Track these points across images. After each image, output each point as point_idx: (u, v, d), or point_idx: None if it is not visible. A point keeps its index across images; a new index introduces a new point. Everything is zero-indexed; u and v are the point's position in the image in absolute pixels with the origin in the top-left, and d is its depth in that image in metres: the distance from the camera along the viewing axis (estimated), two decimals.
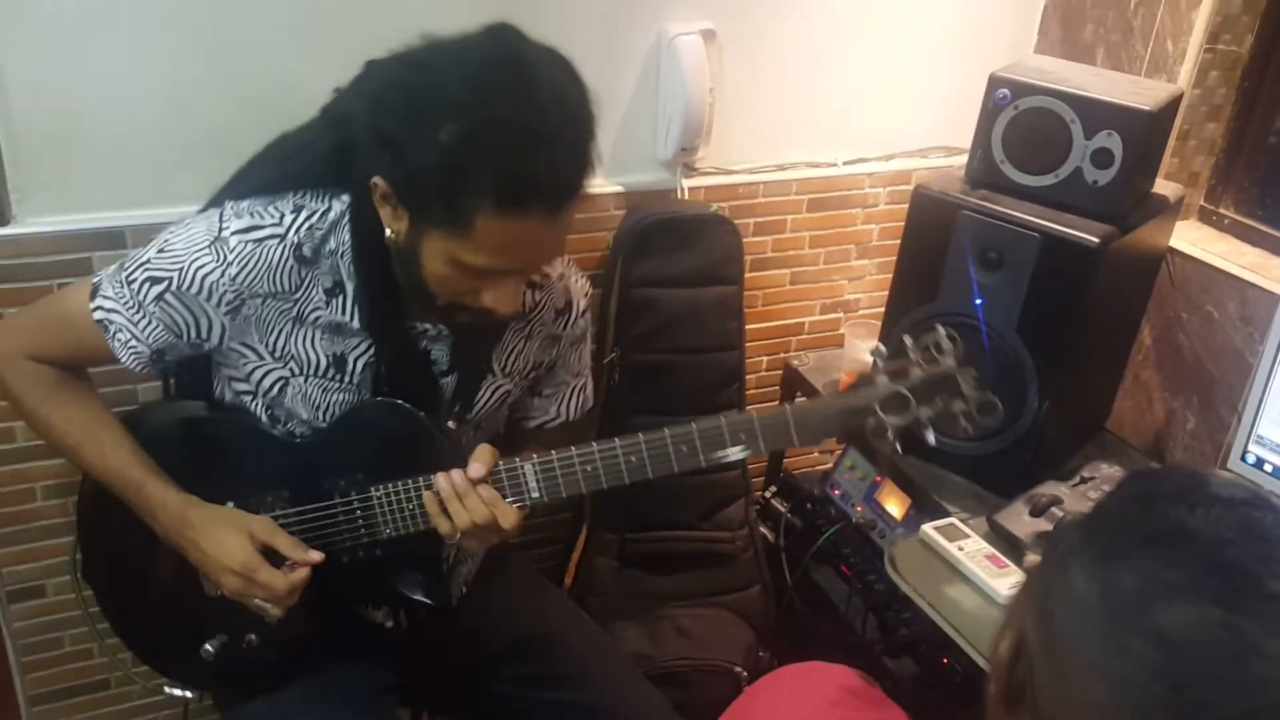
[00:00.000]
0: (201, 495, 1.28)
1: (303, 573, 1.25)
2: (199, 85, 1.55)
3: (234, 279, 1.19)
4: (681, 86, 1.82)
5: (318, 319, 1.24)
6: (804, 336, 2.22)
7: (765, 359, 2.20)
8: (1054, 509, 1.63)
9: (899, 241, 1.82)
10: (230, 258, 1.18)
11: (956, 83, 2.06)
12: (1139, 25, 1.92)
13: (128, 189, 1.45)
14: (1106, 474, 1.75)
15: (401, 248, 1.15)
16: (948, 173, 1.79)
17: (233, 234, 1.19)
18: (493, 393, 1.38)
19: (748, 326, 2.03)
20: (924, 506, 1.84)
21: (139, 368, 1.25)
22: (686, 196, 1.96)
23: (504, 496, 1.24)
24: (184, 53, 1.54)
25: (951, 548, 1.57)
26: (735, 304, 1.94)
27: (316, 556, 1.26)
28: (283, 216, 1.21)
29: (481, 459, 1.24)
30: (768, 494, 2.14)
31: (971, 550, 1.56)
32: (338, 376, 1.27)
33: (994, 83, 1.67)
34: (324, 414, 1.28)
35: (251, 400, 1.30)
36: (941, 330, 1.25)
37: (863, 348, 1.99)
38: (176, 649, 1.37)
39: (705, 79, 1.83)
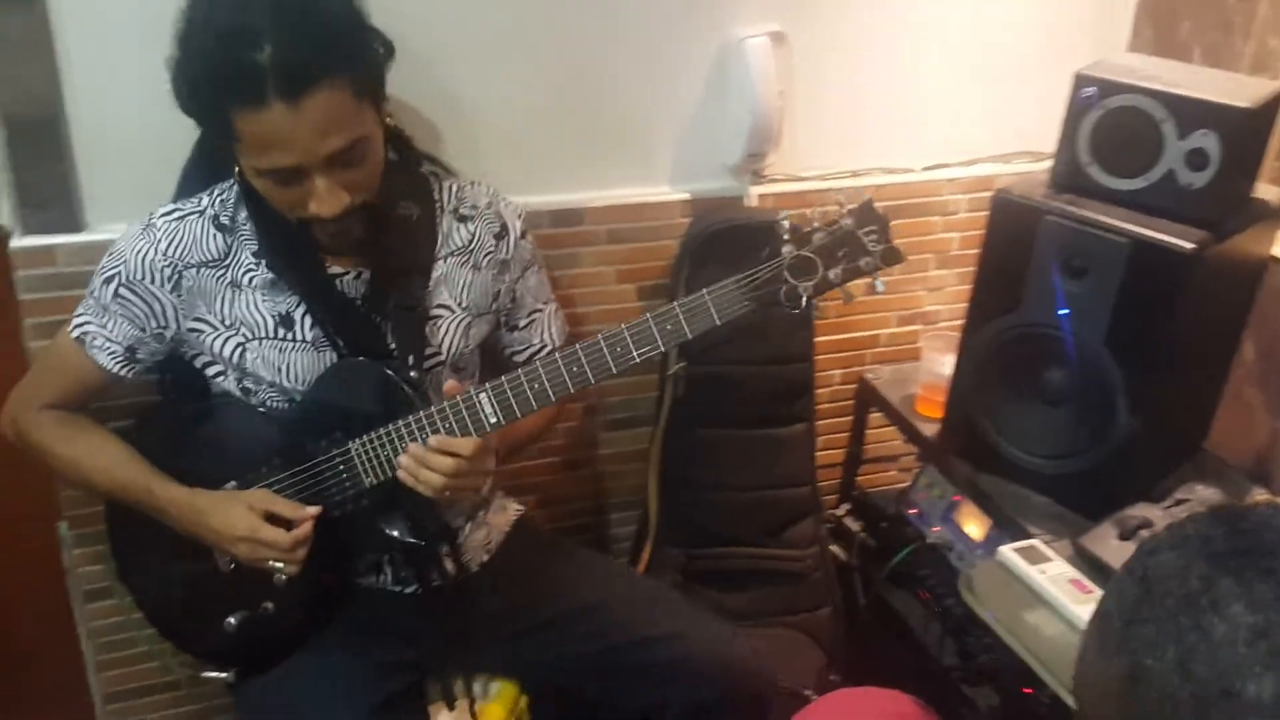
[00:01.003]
0: (205, 481, 1.39)
1: (305, 528, 1.35)
2: None
3: (165, 253, 1.34)
4: (750, 90, 1.78)
5: (252, 280, 1.37)
6: (880, 349, 2.15)
7: (839, 372, 2.13)
8: (1143, 532, 1.53)
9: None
10: (159, 236, 1.35)
11: (1041, 85, 1.96)
12: (1239, 21, 1.81)
13: None
14: (1202, 496, 1.65)
15: (245, 180, 1.29)
16: (1031, 177, 1.70)
17: (159, 218, 1.37)
18: (457, 329, 1.46)
19: (820, 339, 1.97)
20: (1005, 527, 1.75)
21: (119, 368, 1.40)
22: (755, 204, 1.91)
23: (465, 428, 1.31)
24: None
25: (1033, 571, 1.48)
26: (805, 314, 1.87)
27: (312, 511, 1.36)
28: (200, 200, 1.38)
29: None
30: (840, 512, 2.07)
31: (1054, 574, 1.47)
32: (288, 335, 1.38)
33: (1080, 81, 1.59)
34: (286, 374, 1.38)
35: (223, 377, 1.41)
36: (839, 196, 1.31)
37: (941, 361, 1.91)
38: (204, 628, 1.46)
39: (774, 82, 1.78)
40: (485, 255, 1.49)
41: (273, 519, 1.35)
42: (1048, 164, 1.68)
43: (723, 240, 1.81)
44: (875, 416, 2.09)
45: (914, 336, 2.15)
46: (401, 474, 1.33)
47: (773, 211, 1.88)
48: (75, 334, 1.39)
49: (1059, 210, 1.59)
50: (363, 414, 1.36)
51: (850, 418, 2.14)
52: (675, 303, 1.29)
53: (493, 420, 1.32)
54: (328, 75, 1.16)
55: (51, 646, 1.83)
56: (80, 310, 1.40)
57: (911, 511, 1.95)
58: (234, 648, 1.47)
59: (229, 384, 1.42)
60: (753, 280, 1.30)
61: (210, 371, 1.43)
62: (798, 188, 1.94)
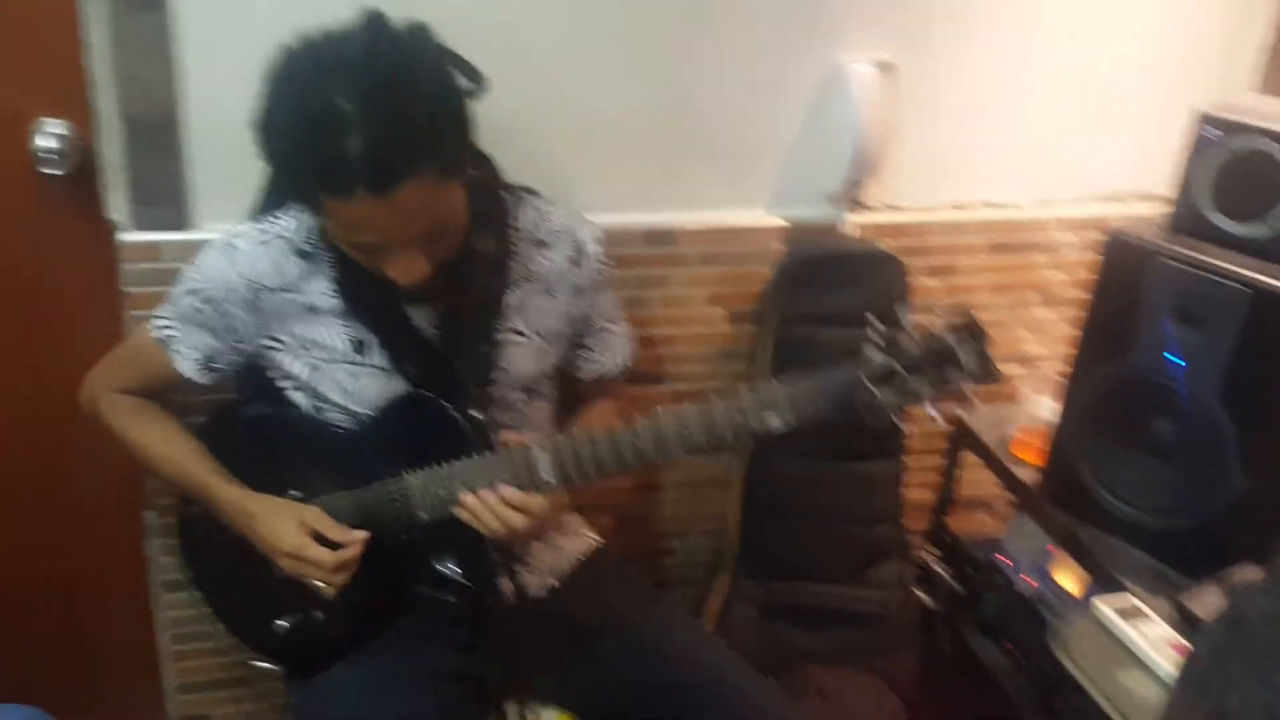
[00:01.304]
0: (264, 485, 1.41)
1: (350, 551, 1.35)
2: None
3: (244, 276, 1.35)
4: (853, 118, 1.74)
5: (330, 306, 1.36)
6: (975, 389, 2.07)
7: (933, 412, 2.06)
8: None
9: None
10: (239, 259, 1.35)
11: (1158, 124, 1.89)
12: None
13: None
14: None
15: None
16: (1147, 219, 1.63)
17: (240, 239, 1.36)
18: (530, 356, 1.45)
19: None
20: (1102, 582, 1.67)
21: (198, 375, 1.42)
22: (853, 233, 1.87)
23: (519, 481, 1.30)
24: None
25: (1129, 629, 1.41)
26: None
27: (359, 536, 1.36)
28: (281, 221, 1.37)
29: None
30: (928, 555, 2.01)
31: (1152, 635, 1.40)
32: (361, 360, 1.38)
33: (1202, 121, 1.52)
34: (356, 399, 1.39)
35: (296, 392, 1.43)
36: (939, 309, 1.26)
37: (1041, 405, 1.84)
38: (257, 624, 1.48)
39: (878, 111, 1.75)
40: (561, 281, 1.46)
41: (321, 539, 1.36)
42: (1162, 206, 1.61)
43: (820, 265, 1.77)
44: (968, 458, 2.01)
45: (1012, 378, 2.07)
46: (464, 514, 1.32)
47: (869, 242, 1.85)
48: (157, 335, 1.42)
49: (1175, 254, 1.52)
50: (423, 449, 1.36)
51: (940, 459, 2.07)
52: (747, 390, 1.25)
53: (548, 482, 1.31)
54: (415, 169, 1.12)
55: (126, 633, 1.87)
56: (163, 312, 1.42)
57: (1003, 560, 1.87)
58: (283, 648, 1.50)
59: (300, 399, 1.44)
60: (831, 383, 1.25)
61: (282, 385, 1.44)
62: (897, 218, 1.89)
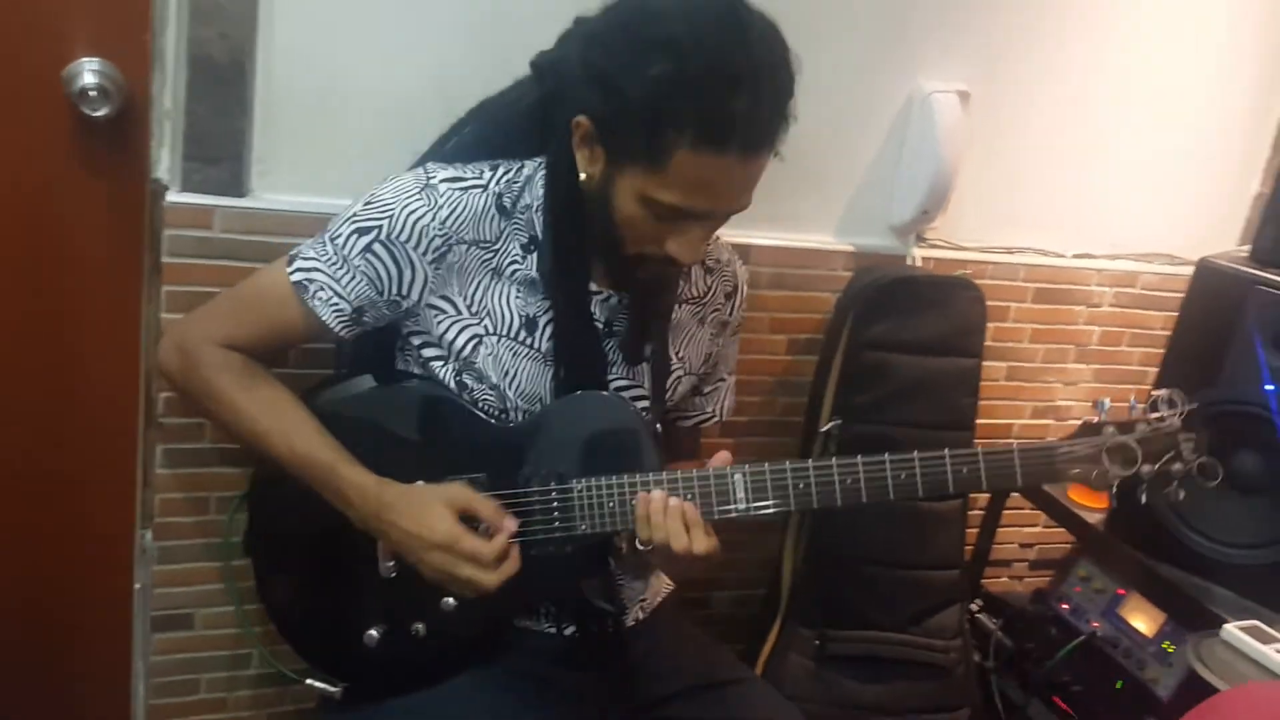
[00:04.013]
0: (391, 475, 1.22)
1: (504, 539, 1.19)
2: (465, 76, 1.43)
3: (444, 222, 1.20)
4: (933, 146, 1.73)
5: (514, 273, 1.25)
6: (1009, 439, 2.05)
7: None
8: None
9: (1119, 343, 1.73)
10: (440, 201, 1.21)
11: (1196, 192, 1.99)
12: None
13: (375, 175, 1.32)
14: None
15: (595, 191, 1.18)
16: (1228, 253, 1.66)
17: (441, 181, 1.22)
18: (676, 385, 1.37)
19: None
20: (1185, 621, 1.63)
21: (341, 327, 1.23)
22: (918, 264, 1.83)
23: (711, 503, 1.20)
24: (453, 40, 1.47)
25: (1268, 650, 1.36)
26: (973, 379, 1.78)
27: (513, 524, 1.20)
28: (482, 172, 1.25)
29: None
30: (973, 607, 1.92)
31: None
32: (528, 340, 1.26)
33: None
34: (511, 380, 1.26)
35: (442, 366, 1.27)
36: (1164, 393, 1.27)
37: None
38: (336, 634, 1.28)
39: (960, 141, 1.74)
40: (713, 312, 1.40)
41: (468, 521, 1.19)
42: (1184, 269, 1.64)
43: (898, 291, 1.72)
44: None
45: (1044, 430, 2.06)
46: (641, 497, 1.20)
47: (949, 273, 1.81)
48: (297, 278, 1.21)
49: (1270, 281, 1.54)
50: (601, 455, 1.23)
51: (973, 511, 2.01)
52: (979, 451, 1.23)
53: (741, 506, 1.21)
54: (776, 143, 1.14)
55: (101, 671, 1.57)
56: (308, 253, 1.22)
57: (1063, 607, 1.81)
58: (362, 663, 1.28)
59: (445, 373, 1.27)
60: (1071, 452, 1.25)
61: (427, 354, 1.27)
62: (958, 255, 1.87)
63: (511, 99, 1.30)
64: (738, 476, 1.20)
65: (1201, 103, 1.95)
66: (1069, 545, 2.17)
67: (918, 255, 1.84)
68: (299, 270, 1.22)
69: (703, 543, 1.19)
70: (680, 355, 1.37)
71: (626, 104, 1.09)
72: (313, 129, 1.44)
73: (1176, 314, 2.01)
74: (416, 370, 1.29)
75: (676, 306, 1.35)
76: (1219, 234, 2.01)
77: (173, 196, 1.40)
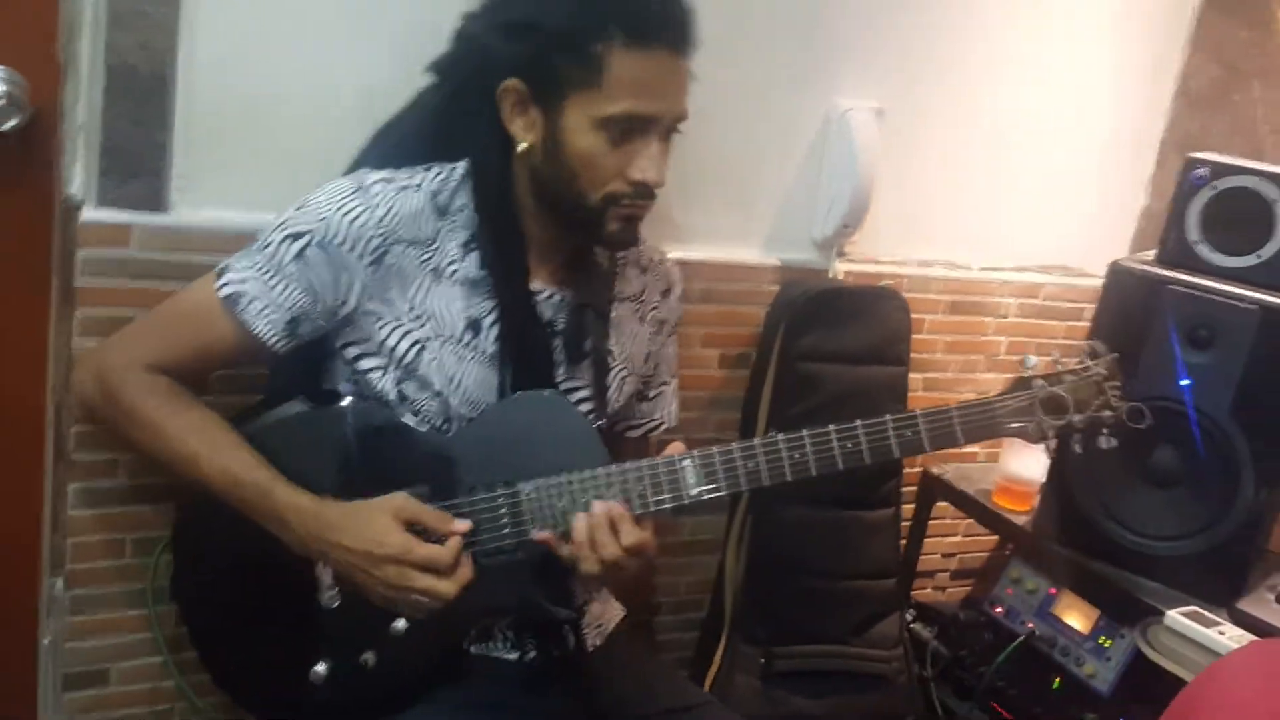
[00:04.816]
0: (331, 496, 1.16)
1: (458, 541, 1.15)
2: (392, 89, 1.40)
3: (380, 220, 1.18)
4: (852, 162, 1.77)
5: (454, 273, 1.22)
6: None
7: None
8: None
9: (1025, 353, 1.72)
10: (376, 201, 1.18)
11: (1089, 206, 2.09)
12: None
13: (301, 189, 1.27)
14: None
15: (543, 153, 1.17)
16: (1134, 257, 1.74)
17: (375, 182, 1.20)
18: (620, 384, 1.35)
19: None
20: (1118, 615, 1.68)
21: (276, 340, 1.18)
22: (840, 278, 1.86)
23: (660, 493, 1.18)
24: (380, 52, 1.42)
25: (1211, 633, 1.41)
26: (902, 387, 1.81)
27: (464, 525, 1.16)
28: (414, 174, 1.23)
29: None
30: (908, 617, 1.94)
31: (1233, 634, 1.40)
32: (473, 342, 1.23)
33: (1190, 164, 1.66)
34: (456, 386, 1.22)
35: (381, 376, 1.22)
36: (1086, 344, 1.34)
37: (1021, 454, 1.86)
38: (279, 675, 1.21)
39: (876, 157, 1.78)
40: (651, 310, 1.40)
41: (415, 532, 1.13)
42: (1082, 280, 1.80)
43: (826, 303, 1.74)
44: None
45: None
46: (576, 533, 1.15)
47: (873, 284, 1.85)
48: (226, 292, 1.16)
49: (1182, 280, 1.62)
50: (545, 456, 1.20)
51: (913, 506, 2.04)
52: (918, 412, 1.25)
53: (694, 491, 1.19)
54: (694, 45, 1.17)
55: None
56: (237, 265, 1.17)
57: (997, 611, 1.84)
58: (310, 704, 1.20)
59: (385, 383, 1.22)
60: (1005, 406, 1.28)
61: (364, 365, 1.22)
62: (876, 269, 1.91)
63: (410, 116, 1.32)
64: (686, 462, 1.19)
65: (1093, 124, 2.06)
66: (989, 554, 2.23)
67: (840, 269, 1.87)
68: (229, 284, 1.16)
69: (631, 535, 1.15)
70: (622, 353, 1.35)
71: (550, 35, 1.12)
72: (237, 142, 1.38)
73: (1077, 323, 2.12)
74: (349, 387, 1.25)
75: (616, 304, 1.34)
76: (1112, 245, 2.11)
77: (88, 214, 1.31)
